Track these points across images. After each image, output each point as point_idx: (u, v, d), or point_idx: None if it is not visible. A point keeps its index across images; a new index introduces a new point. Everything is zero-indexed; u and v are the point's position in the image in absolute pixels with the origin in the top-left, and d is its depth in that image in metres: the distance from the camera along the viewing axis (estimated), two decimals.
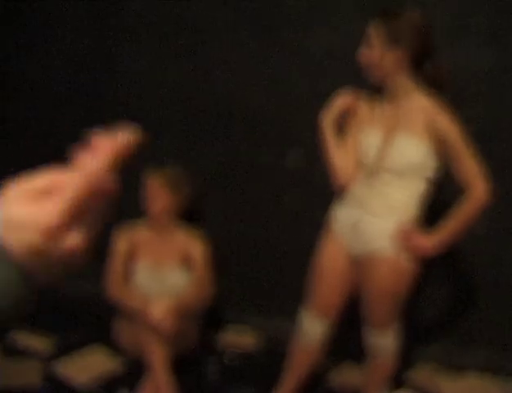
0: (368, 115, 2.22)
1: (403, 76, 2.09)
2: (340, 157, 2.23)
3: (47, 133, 3.51)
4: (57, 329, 3.02)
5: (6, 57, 3.48)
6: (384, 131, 2.14)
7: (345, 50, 2.72)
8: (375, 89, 2.19)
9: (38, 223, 0.46)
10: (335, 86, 2.38)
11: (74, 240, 0.47)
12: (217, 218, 3.21)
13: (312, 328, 2.32)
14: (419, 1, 2.63)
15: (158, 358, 2.49)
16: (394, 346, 2.29)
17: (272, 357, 2.88)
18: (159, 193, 2.72)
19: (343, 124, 2.27)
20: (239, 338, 3.11)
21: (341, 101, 2.23)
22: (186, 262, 2.76)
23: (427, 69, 2.09)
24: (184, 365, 2.65)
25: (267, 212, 3.19)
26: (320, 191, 2.75)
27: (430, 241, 2.10)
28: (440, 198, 2.42)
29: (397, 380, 2.58)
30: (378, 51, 2.06)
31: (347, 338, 2.69)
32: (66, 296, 3.19)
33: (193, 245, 2.78)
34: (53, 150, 3.53)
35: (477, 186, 2.03)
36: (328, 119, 2.22)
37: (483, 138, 2.61)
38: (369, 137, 2.17)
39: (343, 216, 2.26)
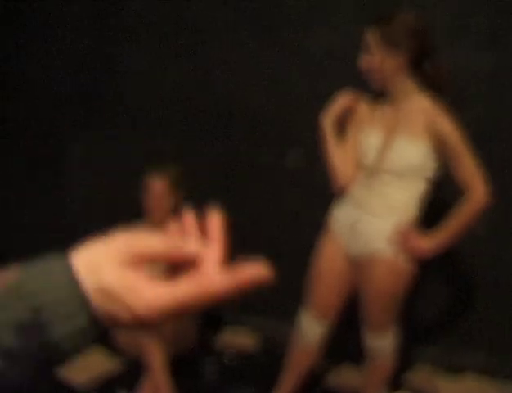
0: (368, 115, 2.21)
1: (403, 78, 2.08)
2: (340, 158, 2.23)
3: (47, 133, 3.51)
4: None
5: (6, 57, 3.49)
6: (385, 132, 2.14)
7: (345, 50, 2.71)
8: (376, 90, 2.19)
9: (133, 308, 0.46)
10: (335, 86, 2.37)
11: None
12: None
13: (311, 329, 2.32)
14: (419, 2, 2.63)
15: (156, 358, 2.49)
16: (393, 347, 2.28)
17: (271, 357, 2.88)
18: (161, 194, 2.73)
19: (343, 125, 2.27)
20: (237, 339, 3.11)
21: (341, 101, 2.22)
22: None
23: (426, 69, 2.08)
24: (182, 366, 2.65)
25: (266, 212, 3.19)
26: (319, 192, 2.74)
27: (429, 243, 2.10)
28: (440, 198, 2.42)
29: (396, 381, 2.57)
30: (378, 57, 2.06)
31: (345, 339, 2.69)
32: None
33: None
34: (53, 150, 3.54)
35: (476, 188, 2.03)
36: (328, 120, 2.22)
37: (483, 139, 2.60)
38: (369, 138, 2.17)
39: (342, 217, 2.25)
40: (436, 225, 2.13)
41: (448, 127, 2.03)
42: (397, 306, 2.22)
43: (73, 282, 0.45)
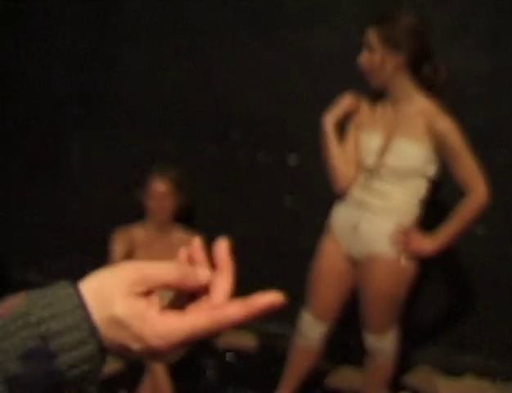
0: (368, 116, 2.21)
1: (403, 79, 2.08)
2: (341, 159, 2.22)
3: (47, 133, 3.51)
4: None
5: (6, 57, 3.48)
6: (385, 133, 2.14)
7: (345, 50, 2.71)
8: (376, 91, 2.19)
9: (145, 339, 0.46)
10: (335, 86, 2.37)
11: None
12: (216, 218, 3.20)
13: (311, 329, 2.32)
14: (419, 2, 2.63)
15: None
16: (393, 348, 2.28)
17: (271, 358, 2.88)
18: (162, 196, 2.75)
19: (343, 126, 2.27)
20: (238, 340, 3.11)
21: (344, 103, 2.22)
22: None
23: (426, 70, 2.08)
24: (183, 366, 2.64)
25: (266, 213, 3.18)
26: (320, 193, 2.74)
27: (430, 243, 2.10)
28: (440, 198, 2.42)
29: (396, 383, 2.57)
30: (378, 57, 2.05)
31: (346, 340, 2.69)
32: None
33: None
34: (53, 150, 3.54)
35: (476, 188, 2.03)
36: (331, 121, 2.21)
37: (483, 139, 2.60)
38: (369, 139, 2.17)
39: (342, 217, 2.25)
40: (436, 225, 2.13)
41: (447, 127, 2.03)
42: (397, 307, 2.22)
43: (80, 309, 0.45)
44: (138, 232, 2.82)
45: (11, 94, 3.54)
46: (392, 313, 2.23)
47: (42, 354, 0.43)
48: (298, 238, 3.09)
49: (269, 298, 0.49)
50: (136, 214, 2.97)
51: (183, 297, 0.52)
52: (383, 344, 2.25)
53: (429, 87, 2.10)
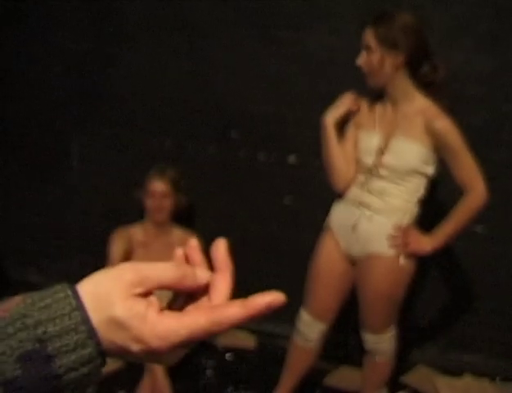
0: (368, 116, 2.21)
1: (402, 79, 2.08)
2: (341, 159, 2.22)
3: (47, 134, 3.51)
4: None
5: (6, 57, 3.49)
6: (384, 133, 2.14)
7: (345, 50, 2.71)
8: (375, 91, 2.19)
9: (145, 340, 0.46)
10: (335, 86, 2.37)
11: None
12: (216, 218, 3.20)
13: (310, 329, 2.32)
14: (419, 2, 2.63)
15: None
16: (392, 348, 2.28)
17: (270, 358, 2.88)
18: (162, 196, 2.76)
19: (342, 126, 2.27)
20: (237, 339, 3.11)
21: (346, 102, 2.22)
22: None
23: (425, 70, 2.08)
24: (182, 366, 2.65)
25: (266, 213, 3.19)
26: (319, 192, 2.74)
27: (428, 242, 2.10)
28: (439, 198, 2.42)
29: (395, 382, 2.58)
30: (377, 57, 2.05)
31: (345, 339, 2.69)
32: None
33: None
34: (53, 150, 3.54)
35: (475, 186, 2.03)
36: (332, 120, 2.21)
37: (483, 138, 2.61)
38: (369, 139, 2.17)
39: (341, 217, 2.25)
40: (435, 224, 2.13)
41: (446, 127, 2.03)
42: (396, 306, 2.22)
43: (78, 312, 0.44)
44: (137, 232, 2.82)
45: (11, 94, 3.54)
46: (390, 313, 2.23)
47: (39, 356, 0.42)
48: (297, 238, 3.09)
49: (269, 298, 0.48)
50: (135, 214, 2.97)
51: (182, 298, 0.52)
52: (381, 343, 2.25)
53: (428, 86, 2.10)
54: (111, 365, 2.77)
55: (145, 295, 0.48)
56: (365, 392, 2.40)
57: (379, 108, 2.19)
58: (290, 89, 3.03)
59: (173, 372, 2.54)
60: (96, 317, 0.45)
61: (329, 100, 2.26)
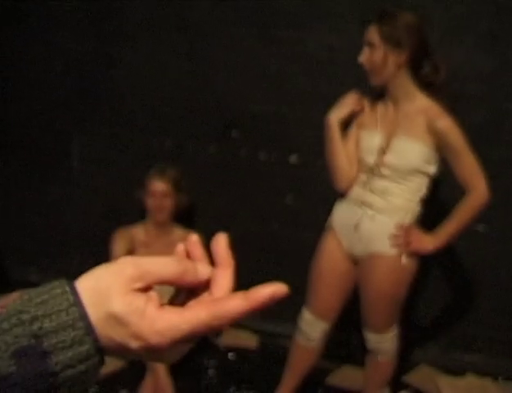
0: (370, 115, 2.21)
1: (404, 78, 2.08)
2: (344, 158, 2.22)
3: (47, 134, 3.51)
4: None
5: (6, 57, 3.48)
6: (386, 132, 2.14)
7: (346, 49, 2.71)
8: (377, 90, 2.19)
9: (144, 336, 0.45)
10: (336, 85, 2.37)
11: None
12: (217, 217, 3.20)
13: (312, 328, 2.32)
14: (419, 1, 2.63)
15: None
16: (394, 347, 2.28)
17: (272, 357, 2.88)
18: (162, 195, 2.76)
19: (347, 126, 2.27)
20: (238, 339, 3.11)
21: (349, 102, 2.21)
22: None
23: (426, 69, 2.08)
24: (184, 366, 2.64)
25: (267, 211, 3.18)
26: (321, 191, 2.74)
27: (430, 242, 2.10)
28: (440, 197, 2.42)
29: (397, 382, 2.57)
30: (380, 54, 2.05)
31: (347, 339, 2.69)
32: None
33: None
34: (53, 150, 3.54)
35: (476, 186, 2.03)
36: (336, 120, 2.20)
37: (484, 137, 2.61)
38: (370, 138, 2.17)
39: (343, 216, 2.25)
40: (437, 223, 2.13)
41: (448, 126, 2.03)
42: (398, 306, 2.22)
43: (76, 308, 0.43)
44: (138, 232, 2.82)
45: (12, 94, 3.54)
46: (392, 312, 2.23)
47: (34, 352, 0.41)
48: (299, 237, 3.09)
49: (271, 289, 0.47)
50: (136, 214, 2.97)
51: (183, 294, 0.51)
52: (384, 343, 2.25)
53: (429, 85, 2.10)
54: (113, 364, 2.76)
55: (146, 290, 0.47)
56: (367, 391, 2.40)
57: (380, 107, 2.19)
58: (291, 89, 3.03)
59: (175, 372, 2.54)
60: (94, 313, 0.44)
61: (329, 99, 2.25)
